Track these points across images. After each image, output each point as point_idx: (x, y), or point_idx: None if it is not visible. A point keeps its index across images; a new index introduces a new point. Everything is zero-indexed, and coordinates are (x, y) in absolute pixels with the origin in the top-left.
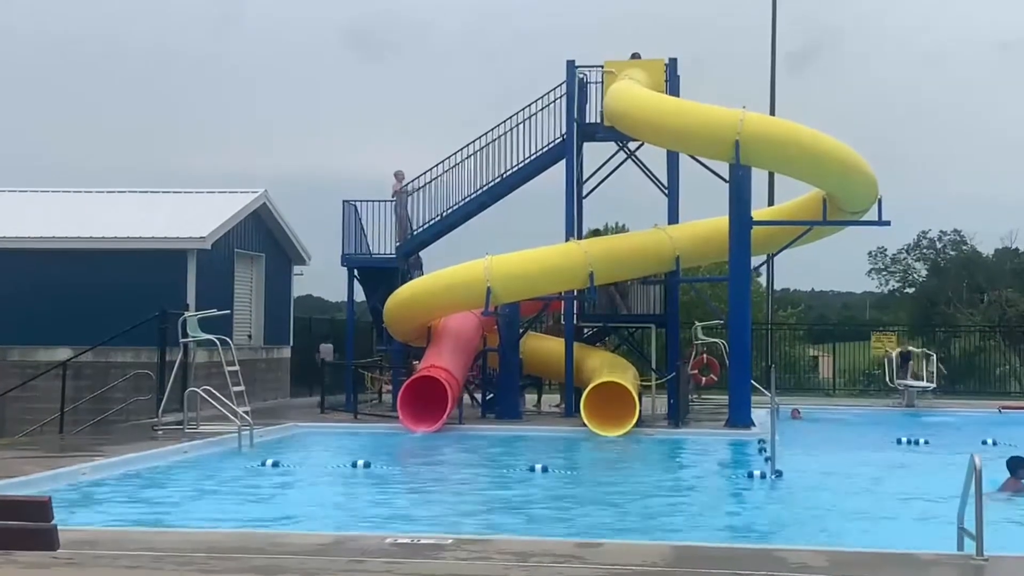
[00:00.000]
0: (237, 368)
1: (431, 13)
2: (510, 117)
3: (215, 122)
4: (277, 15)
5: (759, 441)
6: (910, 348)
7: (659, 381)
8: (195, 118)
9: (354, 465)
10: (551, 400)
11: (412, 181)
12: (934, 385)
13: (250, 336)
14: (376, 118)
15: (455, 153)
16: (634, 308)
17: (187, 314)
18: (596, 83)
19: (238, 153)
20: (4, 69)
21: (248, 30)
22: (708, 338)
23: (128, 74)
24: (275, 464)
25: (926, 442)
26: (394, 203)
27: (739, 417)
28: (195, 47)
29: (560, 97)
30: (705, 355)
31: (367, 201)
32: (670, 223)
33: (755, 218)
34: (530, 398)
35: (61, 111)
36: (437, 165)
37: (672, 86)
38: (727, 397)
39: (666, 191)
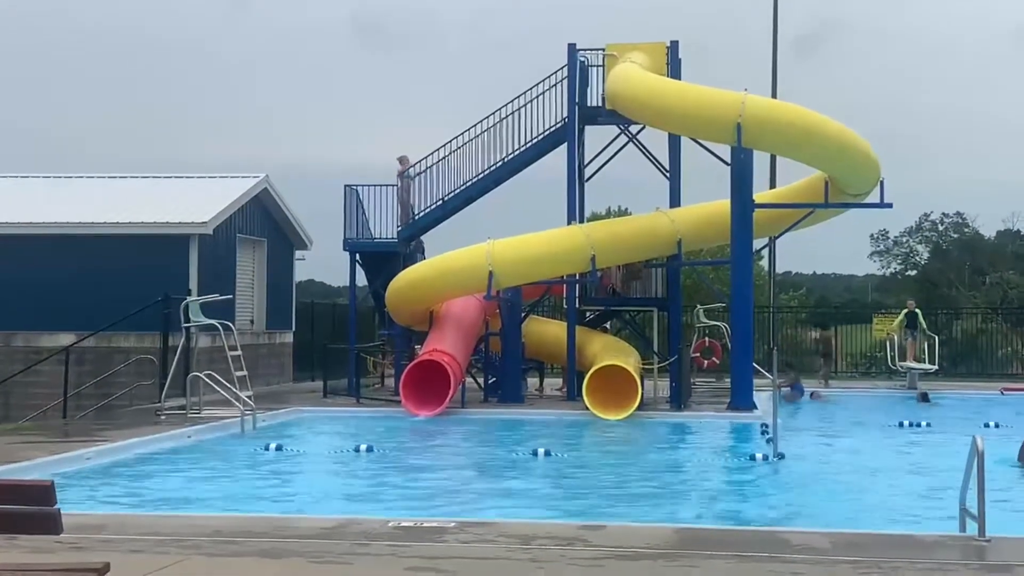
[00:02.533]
0: (240, 353)
1: (437, 2)
2: (512, 100)
3: (219, 110)
4: (283, 2)
5: (762, 424)
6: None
7: (661, 364)
8: (199, 106)
9: (357, 449)
10: (553, 384)
11: (414, 165)
12: (936, 367)
13: (252, 321)
14: (380, 106)
15: (456, 137)
16: (637, 291)
17: (189, 299)
18: (598, 66)
19: (242, 141)
20: (10, 58)
21: (253, 18)
22: (710, 321)
23: (133, 62)
24: (278, 448)
25: (928, 424)
26: (397, 187)
27: (741, 400)
28: (200, 36)
29: (562, 80)
30: (707, 338)
31: (369, 185)
32: (672, 206)
33: (757, 201)
34: (532, 382)
35: (62, 99)
36: (439, 149)
37: (673, 69)
38: (729, 380)
39: (668, 174)
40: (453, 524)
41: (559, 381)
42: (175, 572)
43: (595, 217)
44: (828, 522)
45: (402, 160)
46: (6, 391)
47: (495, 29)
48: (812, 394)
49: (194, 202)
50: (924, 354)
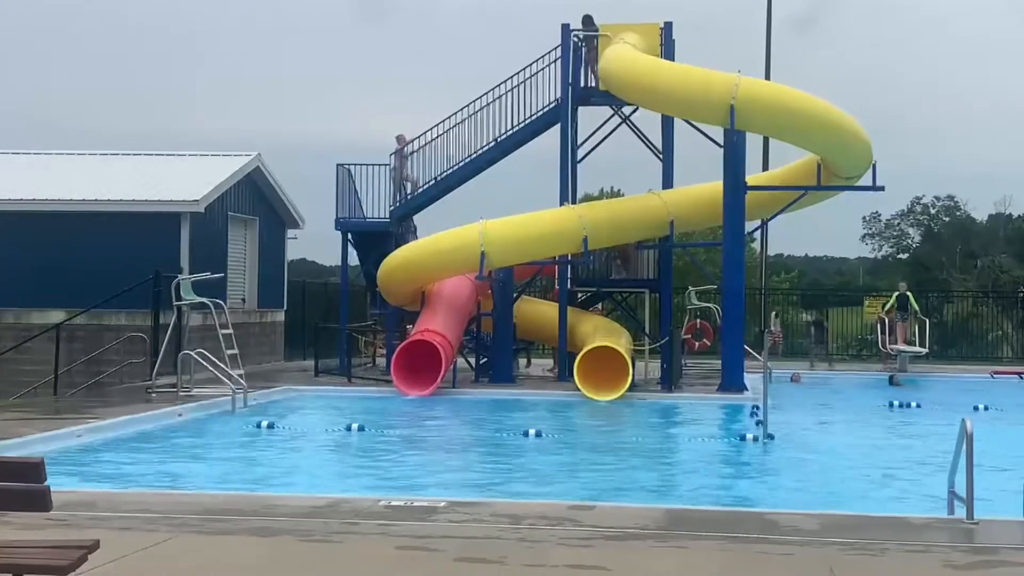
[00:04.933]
0: (231, 331)
1: None
2: (505, 80)
3: (212, 86)
4: None
5: (752, 406)
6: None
7: (652, 346)
8: (191, 82)
9: (348, 428)
10: (543, 364)
11: (408, 144)
12: (927, 350)
13: (244, 299)
14: (374, 84)
15: (450, 117)
16: (628, 273)
17: (181, 277)
18: (597, 47)
19: (233, 117)
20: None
21: None
22: (702, 303)
23: (124, 36)
24: (269, 427)
25: (918, 406)
26: (392, 166)
27: (732, 381)
28: (193, 9)
29: (556, 60)
30: (698, 320)
31: (361, 164)
32: (665, 188)
33: (750, 183)
34: (523, 362)
35: (54, 73)
36: (432, 128)
37: (667, 50)
38: (720, 362)
39: (661, 156)
40: (443, 503)
41: (550, 361)
42: (165, 549)
43: (588, 198)
44: (817, 504)
45: (399, 139)
46: None
47: (492, 6)
48: (792, 376)
49: (186, 180)
50: (915, 337)
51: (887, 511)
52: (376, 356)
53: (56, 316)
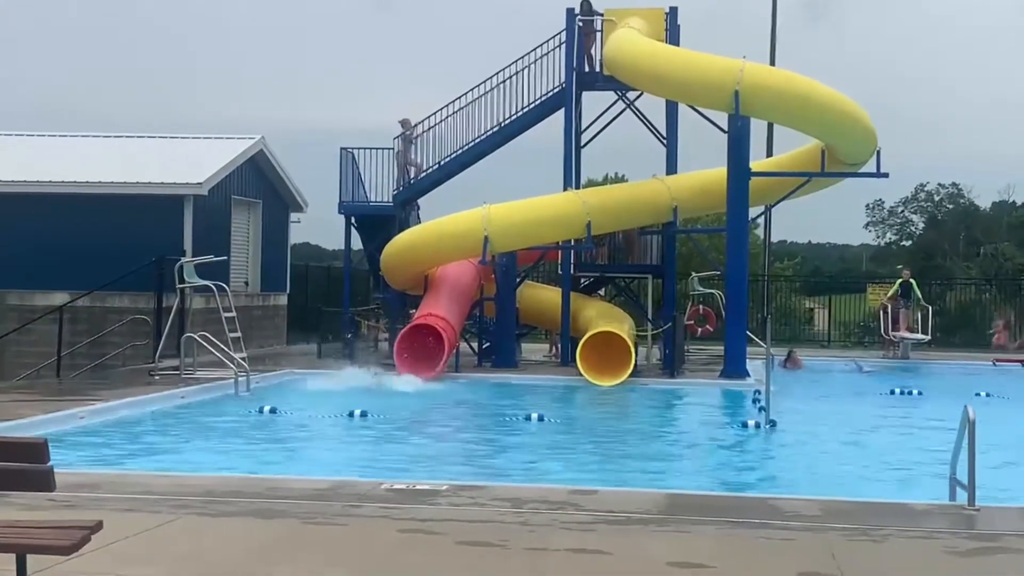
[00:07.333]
0: (234, 314)
1: None
2: (509, 65)
3: (215, 70)
4: None
5: (754, 392)
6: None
7: (655, 331)
8: (195, 66)
9: (351, 412)
10: (540, 349)
11: (412, 128)
12: (928, 337)
13: (247, 283)
14: (378, 68)
15: (454, 101)
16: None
17: (184, 260)
18: (596, 31)
19: (237, 101)
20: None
21: None
22: (704, 289)
23: (128, 20)
24: (271, 410)
25: (920, 393)
26: (396, 150)
27: (734, 368)
28: None
29: (560, 46)
30: (701, 306)
31: (365, 148)
32: (668, 173)
33: (753, 169)
34: (526, 347)
35: (58, 55)
36: (436, 112)
37: (672, 36)
38: (723, 348)
39: (665, 141)
40: (445, 487)
41: (546, 347)
42: (168, 531)
43: (591, 184)
44: (818, 489)
45: (404, 123)
46: None
47: None
48: (789, 356)
49: (189, 163)
50: (918, 324)
51: (889, 497)
52: (378, 340)
53: (59, 298)
